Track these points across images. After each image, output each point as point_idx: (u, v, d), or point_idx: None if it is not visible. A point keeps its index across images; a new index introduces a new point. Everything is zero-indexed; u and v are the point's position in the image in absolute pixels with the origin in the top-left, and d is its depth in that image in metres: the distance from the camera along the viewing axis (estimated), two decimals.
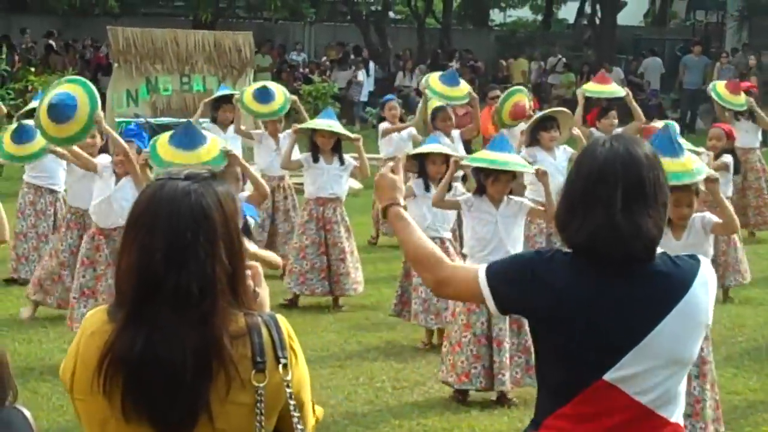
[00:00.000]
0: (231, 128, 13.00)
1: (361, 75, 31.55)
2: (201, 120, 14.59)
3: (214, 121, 13.33)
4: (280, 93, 12.81)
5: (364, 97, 30.72)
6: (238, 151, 9.79)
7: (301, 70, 34.27)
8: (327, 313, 11.27)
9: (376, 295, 11.83)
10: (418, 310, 9.93)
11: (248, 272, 3.09)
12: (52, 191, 12.10)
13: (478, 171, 8.61)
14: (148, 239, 2.89)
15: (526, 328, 8.34)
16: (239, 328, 2.91)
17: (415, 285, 10.00)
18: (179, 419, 2.86)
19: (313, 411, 3.14)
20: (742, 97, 14.26)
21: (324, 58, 36.86)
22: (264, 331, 2.93)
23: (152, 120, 17.78)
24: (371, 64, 33.37)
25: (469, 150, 13.36)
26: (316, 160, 11.30)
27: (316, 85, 22.15)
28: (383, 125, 14.59)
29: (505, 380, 8.37)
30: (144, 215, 2.94)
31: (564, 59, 35.73)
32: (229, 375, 2.86)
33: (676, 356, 3.56)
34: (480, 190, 8.61)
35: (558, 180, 11.03)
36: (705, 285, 3.59)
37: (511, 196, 8.66)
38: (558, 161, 11.51)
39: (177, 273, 2.86)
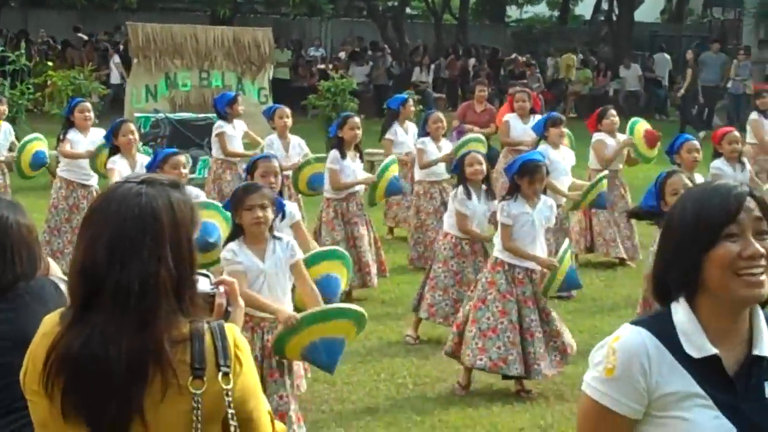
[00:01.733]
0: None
1: None
2: (209, 115, 14.75)
3: (224, 116, 13.62)
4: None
5: None
6: None
7: (318, 65, 34.31)
8: None
9: (395, 291, 11.87)
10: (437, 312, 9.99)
11: (222, 288, 3.07)
12: (84, 185, 12.24)
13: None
14: (95, 237, 2.89)
15: (554, 314, 8.71)
16: (182, 333, 2.87)
17: (432, 282, 10.01)
18: (112, 421, 2.82)
19: (273, 425, 3.07)
20: (655, 151, 13.46)
21: (342, 53, 36.91)
22: (207, 338, 2.88)
23: (171, 115, 17.86)
24: None
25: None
26: (343, 156, 11.34)
27: (334, 81, 22.09)
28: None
29: (541, 369, 8.45)
30: (95, 213, 2.94)
31: (581, 55, 35.71)
32: (166, 379, 2.82)
33: None
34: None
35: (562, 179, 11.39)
36: None
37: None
38: (566, 161, 11.91)
39: (119, 271, 2.84)
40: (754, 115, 15.39)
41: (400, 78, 33.58)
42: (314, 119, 21.62)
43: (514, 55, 36.56)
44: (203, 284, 3.03)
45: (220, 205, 8.90)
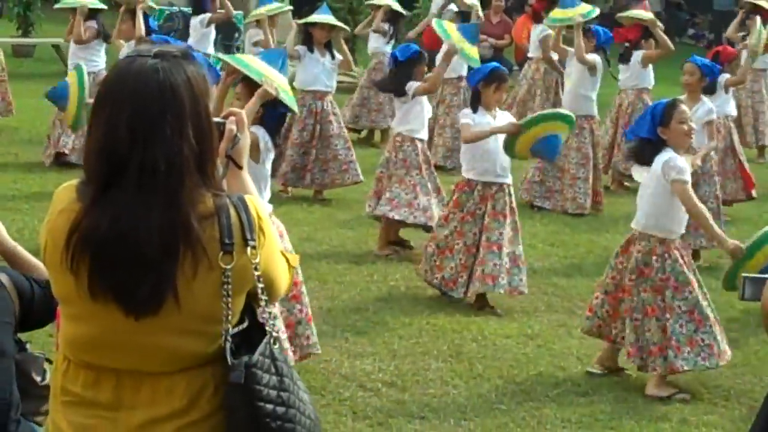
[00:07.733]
0: None
1: None
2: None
3: None
4: None
5: None
6: None
7: None
8: (345, 209, 11.37)
9: None
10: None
11: (233, 118, 3.10)
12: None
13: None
14: (114, 116, 2.85)
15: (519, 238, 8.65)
16: (207, 209, 2.88)
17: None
18: (145, 299, 2.84)
19: (288, 261, 3.12)
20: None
21: None
22: (232, 212, 2.91)
23: (185, 9, 17.79)
24: None
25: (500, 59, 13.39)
26: (311, 51, 11.68)
27: None
28: None
29: (504, 284, 8.42)
30: (111, 93, 2.90)
31: None
32: (197, 256, 2.84)
33: None
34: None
35: None
36: None
37: None
38: None
39: (143, 150, 2.82)
40: None
41: None
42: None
43: None
44: None
45: None
